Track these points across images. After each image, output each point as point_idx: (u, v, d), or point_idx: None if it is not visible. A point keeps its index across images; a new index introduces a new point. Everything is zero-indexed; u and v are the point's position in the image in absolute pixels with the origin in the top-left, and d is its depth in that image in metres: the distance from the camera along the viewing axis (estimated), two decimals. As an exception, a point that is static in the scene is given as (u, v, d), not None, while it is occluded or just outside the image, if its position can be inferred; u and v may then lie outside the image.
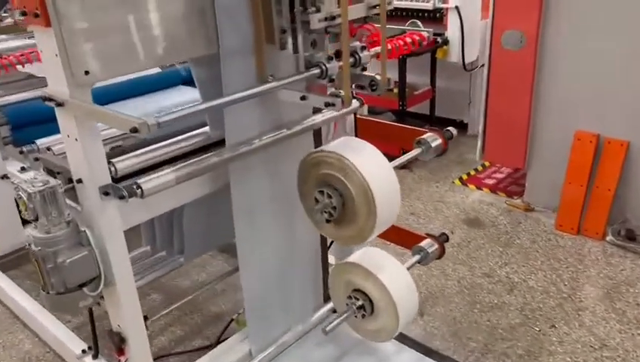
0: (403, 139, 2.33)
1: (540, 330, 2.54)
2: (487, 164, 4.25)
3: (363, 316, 2.02)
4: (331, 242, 2.41)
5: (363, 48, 1.75)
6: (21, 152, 2.03)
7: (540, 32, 3.22)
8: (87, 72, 1.40)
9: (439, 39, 4.20)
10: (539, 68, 3.31)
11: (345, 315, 1.98)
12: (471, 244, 3.24)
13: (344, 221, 1.76)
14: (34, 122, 2.41)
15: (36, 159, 1.95)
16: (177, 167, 1.66)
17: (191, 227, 2.28)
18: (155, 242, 2.48)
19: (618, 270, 2.93)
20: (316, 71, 1.64)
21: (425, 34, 2.16)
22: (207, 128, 1.97)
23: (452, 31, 4.17)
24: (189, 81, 2.57)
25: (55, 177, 1.72)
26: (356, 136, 2.46)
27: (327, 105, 1.64)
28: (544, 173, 3.51)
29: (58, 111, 1.50)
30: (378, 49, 1.80)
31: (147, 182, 1.56)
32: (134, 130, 1.24)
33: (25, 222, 2.71)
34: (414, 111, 4.52)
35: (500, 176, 4.14)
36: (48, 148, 1.96)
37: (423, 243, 2.33)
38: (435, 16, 4.24)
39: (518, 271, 2.97)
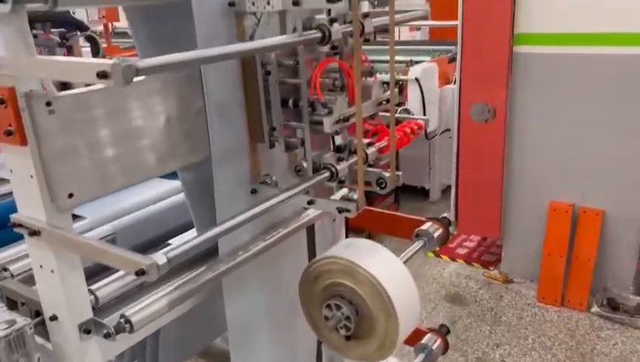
0: (398, 228, 2.19)
1: (549, 422, 2.39)
2: (454, 232, 4.19)
3: None
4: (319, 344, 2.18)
5: (369, 144, 1.62)
6: (-33, 274, 1.71)
7: (508, 104, 3.24)
8: (71, 195, 1.18)
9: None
10: (509, 139, 3.31)
11: None
12: (458, 324, 3.10)
13: (364, 332, 1.56)
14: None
15: (-11, 284, 1.65)
16: (169, 289, 1.44)
17: (168, 336, 2.01)
18: (122, 358, 2.17)
19: (611, 344, 2.85)
20: (326, 174, 1.49)
21: (422, 122, 2.10)
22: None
23: (413, 102, 4.16)
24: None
25: (17, 309, 1.45)
26: (347, 226, 2.30)
27: (341, 211, 1.48)
28: (521, 243, 3.46)
29: (30, 241, 1.26)
30: (383, 143, 1.68)
31: (136, 313, 1.33)
32: (141, 273, 1.02)
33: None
34: (378, 181, 4.44)
35: (470, 244, 4.08)
36: (5, 269, 1.67)
37: (425, 340, 2.16)
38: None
39: (512, 353, 2.84)
